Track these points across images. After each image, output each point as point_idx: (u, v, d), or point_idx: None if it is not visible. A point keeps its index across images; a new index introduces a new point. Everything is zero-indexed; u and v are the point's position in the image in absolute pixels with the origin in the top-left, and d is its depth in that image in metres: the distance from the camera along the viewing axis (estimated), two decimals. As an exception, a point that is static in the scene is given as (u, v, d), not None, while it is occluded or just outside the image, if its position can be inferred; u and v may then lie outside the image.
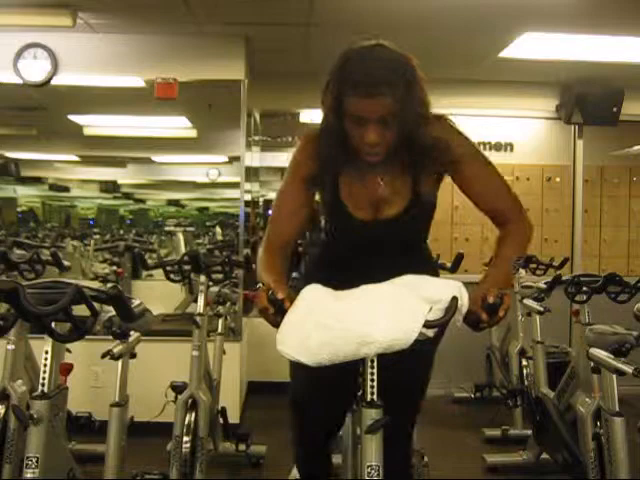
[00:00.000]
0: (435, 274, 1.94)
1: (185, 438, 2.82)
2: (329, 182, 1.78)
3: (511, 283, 1.76)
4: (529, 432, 3.45)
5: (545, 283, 3.22)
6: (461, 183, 1.81)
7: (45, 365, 2.09)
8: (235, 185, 4.19)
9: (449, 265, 3.49)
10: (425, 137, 1.69)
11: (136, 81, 4.06)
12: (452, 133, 1.77)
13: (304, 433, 2.08)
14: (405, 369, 1.64)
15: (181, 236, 4.86)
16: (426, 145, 1.70)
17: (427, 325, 1.40)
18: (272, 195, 5.23)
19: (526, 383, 3.83)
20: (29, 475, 1.88)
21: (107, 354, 2.42)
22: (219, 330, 3.53)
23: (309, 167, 1.77)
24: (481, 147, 5.10)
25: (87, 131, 4.48)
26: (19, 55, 3.89)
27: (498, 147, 5.13)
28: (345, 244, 1.90)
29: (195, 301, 3.10)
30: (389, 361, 1.47)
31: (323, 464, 2.15)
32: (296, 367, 1.54)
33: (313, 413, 1.97)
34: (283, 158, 4.75)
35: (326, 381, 1.71)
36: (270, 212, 1.92)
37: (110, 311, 2.12)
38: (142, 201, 4.91)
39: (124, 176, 4.81)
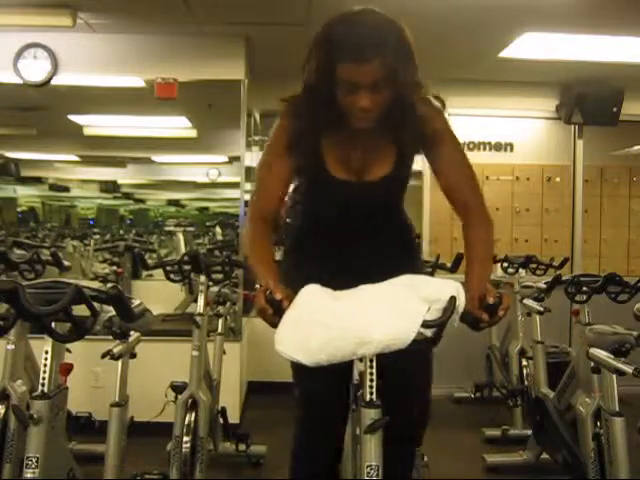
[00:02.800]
0: (413, 242, 2.03)
1: (185, 438, 2.82)
2: (311, 145, 1.77)
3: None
4: (529, 432, 3.45)
5: (545, 283, 3.22)
6: (433, 160, 1.82)
7: (45, 365, 2.09)
8: (235, 185, 4.19)
9: (449, 265, 3.49)
10: (413, 105, 1.71)
11: (136, 81, 4.06)
12: (434, 111, 1.78)
13: (314, 421, 2.05)
14: (404, 369, 1.64)
15: (181, 236, 4.86)
16: (413, 112, 1.71)
17: (425, 325, 1.40)
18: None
19: (526, 383, 3.84)
20: (29, 475, 1.88)
21: (107, 354, 2.42)
22: (219, 330, 3.53)
23: (290, 134, 1.76)
24: (481, 147, 5.11)
25: (87, 131, 4.48)
26: (19, 55, 3.89)
27: (498, 147, 5.13)
28: (326, 208, 1.90)
29: (195, 301, 3.10)
30: (387, 361, 1.47)
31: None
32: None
33: (322, 395, 1.94)
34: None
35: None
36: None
37: (110, 311, 2.12)
38: (142, 201, 4.91)
39: (124, 176, 4.81)
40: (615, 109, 4.81)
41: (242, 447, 3.42)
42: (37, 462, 1.89)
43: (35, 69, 3.91)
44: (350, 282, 1.55)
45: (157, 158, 4.81)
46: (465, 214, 1.82)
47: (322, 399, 1.96)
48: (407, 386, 1.88)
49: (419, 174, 4.73)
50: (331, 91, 1.65)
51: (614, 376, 2.34)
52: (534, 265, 4.19)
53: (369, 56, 1.55)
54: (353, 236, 1.89)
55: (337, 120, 1.72)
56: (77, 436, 3.13)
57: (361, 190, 1.82)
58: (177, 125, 4.60)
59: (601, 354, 2.38)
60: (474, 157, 5.51)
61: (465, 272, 1.74)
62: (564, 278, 3.12)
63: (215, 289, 3.41)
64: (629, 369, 2.19)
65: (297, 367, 1.47)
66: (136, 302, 2.13)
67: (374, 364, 1.51)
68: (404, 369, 1.67)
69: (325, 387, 1.87)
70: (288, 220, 2.09)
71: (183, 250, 4.66)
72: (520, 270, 4.15)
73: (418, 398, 2.01)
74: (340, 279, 1.59)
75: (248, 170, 4.32)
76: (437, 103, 1.79)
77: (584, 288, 3.01)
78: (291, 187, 1.91)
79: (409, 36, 1.64)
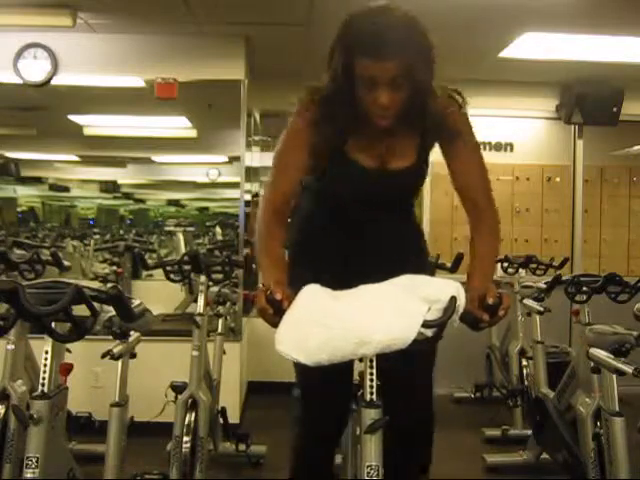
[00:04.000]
0: (422, 237, 2.05)
1: (185, 438, 2.82)
2: (336, 143, 1.77)
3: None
4: (529, 432, 3.45)
5: (545, 283, 3.22)
6: (449, 156, 1.83)
7: (45, 365, 2.09)
8: (235, 185, 4.19)
9: (449, 265, 3.49)
10: (433, 102, 1.72)
11: (136, 81, 4.06)
12: (454, 104, 1.80)
13: (315, 419, 2.05)
14: (404, 369, 1.64)
15: (181, 236, 4.86)
16: (432, 105, 1.72)
17: (426, 325, 1.40)
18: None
19: (526, 383, 3.84)
20: (29, 475, 1.88)
21: (107, 354, 2.42)
22: (219, 330, 3.53)
23: (308, 131, 1.75)
24: (481, 147, 5.09)
25: (87, 131, 4.48)
26: (19, 55, 3.90)
27: (498, 147, 5.13)
28: (345, 194, 1.89)
29: (195, 301, 3.10)
30: (387, 361, 1.47)
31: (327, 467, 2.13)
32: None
33: (324, 390, 1.93)
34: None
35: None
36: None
37: (110, 311, 2.12)
38: (142, 201, 4.91)
39: (124, 176, 4.81)
40: (615, 109, 4.81)
41: (242, 447, 3.42)
42: (37, 462, 1.89)
43: (35, 69, 3.92)
44: (360, 273, 1.55)
45: (157, 158, 4.80)
46: (474, 214, 1.82)
47: (322, 399, 1.97)
48: (409, 387, 1.88)
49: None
50: (352, 88, 1.66)
51: (614, 376, 2.34)
52: (534, 265, 4.19)
53: (388, 53, 1.56)
54: (367, 222, 1.90)
55: (359, 117, 1.72)
56: (77, 436, 3.13)
57: (384, 178, 1.83)
58: (177, 125, 4.60)
59: (601, 354, 2.37)
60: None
61: (467, 272, 1.75)
62: (564, 278, 3.12)
63: (215, 289, 3.40)
64: (629, 369, 2.19)
65: (299, 367, 1.47)
66: (136, 302, 2.13)
67: (374, 364, 1.51)
68: (405, 370, 1.67)
69: (325, 387, 1.87)
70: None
71: (183, 250, 4.66)
72: (520, 270, 4.15)
73: (421, 398, 2.00)
74: (350, 270, 1.59)
75: (248, 170, 4.33)
76: (458, 97, 1.80)
77: (584, 288, 3.00)
78: None
79: (427, 33, 1.65)
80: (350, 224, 1.90)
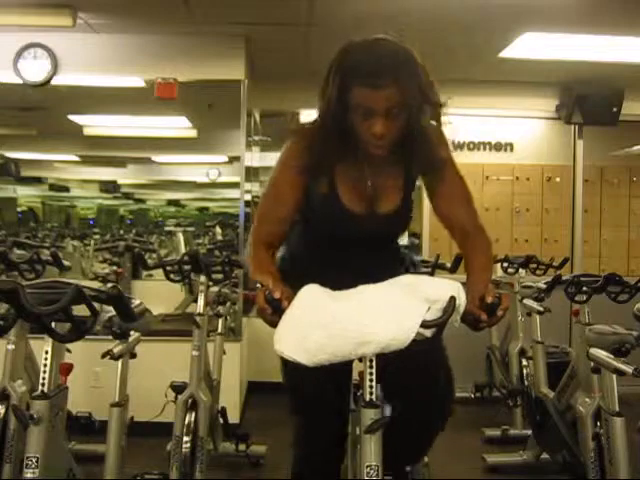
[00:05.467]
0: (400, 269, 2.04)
1: (185, 438, 2.82)
2: (326, 174, 1.78)
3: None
4: (529, 432, 3.45)
5: (545, 283, 3.21)
6: (432, 186, 1.84)
7: (45, 365, 2.08)
8: (235, 185, 4.19)
9: (449, 265, 3.49)
10: (425, 133, 1.72)
11: (136, 81, 4.06)
12: (442, 139, 1.80)
13: (314, 422, 2.03)
14: (406, 369, 1.64)
15: (181, 236, 4.86)
16: (424, 140, 1.72)
17: (425, 325, 1.40)
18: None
19: (526, 383, 3.83)
20: (29, 475, 1.88)
21: (107, 354, 2.42)
22: (219, 330, 3.52)
23: (303, 159, 1.76)
24: (481, 147, 5.11)
25: (87, 131, 4.49)
26: (19, 55, 3.90)
27: (498, 147, 5.14)
28: (332, 238, 1.89)
29: (195, 301, 3.10)
30: (388, 360, 1.47)
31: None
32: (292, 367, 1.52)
33: (318, 397, 1.91)
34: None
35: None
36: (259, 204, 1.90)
37: (110, 311, 2.11)
38: (142, 201, 4.92)
39: (124, 176, 4.82)
40: (615, 109, 4.81)
41: (242, 447, 3.42)
42: (37, 462, 1.88)
43: (35, 69, 3.91)
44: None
45: (157, 158, 4.81)
46: (465, 242, 1.83)
47: (322, 399, 1.96)
48: (411, 387, 1.87)
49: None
50: (346, 118, 1.66)
51: (614, 376, 2.34)
52: (534, 265, 4.19)
53: (384, 83, 1.56)
54: (353, 257, 1.89)
55: (351, 148, 1.73)
56: (77, 436, 3.13)
57: (373, 222, 1.83)
58: (177, 125, 4.60)
59: (601, 354, 2.37)
60: (474, 157, 5.54)
61: (466, 273, 1.76)
62: (564, 278, 3.12)
63: (215, 289, 3.41)
64: (629, 369, 2.18)
65: (293, 368, 1.46)
66: (136, 302, 2.13)
67: (374, 364, 1.51)
68: (406, 370, 1.67)
69: (324, 387, 1.86)
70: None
71: (183, 250, 4.67)
72: (520, 270, 4.15)
73: (429, 397, 1.98)
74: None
75: (248, 170, 4.33)
76: (444, 132, 1.80)
77: (584, 288, 3.00)
78: None
79: (423, 64, 1.64)
80: (336, 259, 1.88)
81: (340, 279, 1.57)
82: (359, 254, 1.88)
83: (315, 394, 1.90)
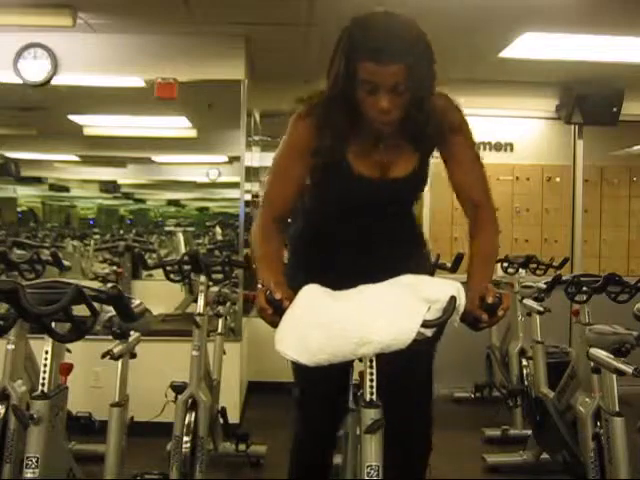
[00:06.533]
0: (423, 242, 2.04)
1: (185, 438, 2.82)
2: (336, 147, 1.76)
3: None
4: (529, 432, 3.45)
5: (545, 283, 3.21)
6: (447, 156, 1.83)
7: (45, 365, 2.08)
8: (235, 185, 4.19)
9: (449, 265, 3.49)
10: (431, 105, 1.71)
11: (136, 81, 4.06)
12: (451, 104, 1.80)
13: (313, 422, 2.05)
14: (404, 369, 1.64)
15: (181, 236, 4.86)
16: (432, 112, 1.72)
17: (425, 325, 1.40)
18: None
19: (526, 383, 3.83)
20: (29, 475, 1.88)
21: (107, 354, 2.42)
22: (219, 330, 3.52)
23: (309, 138, 1.75)
24: (481, 147, 5.10)
25: (87, 131, 4.48)
26: (19, 55, 3.90)
27: (498, 147, 5.14)
28: (345, 204, 1.88)
29: (195, 301, 3.10)
30: (387, 359, 1.47)
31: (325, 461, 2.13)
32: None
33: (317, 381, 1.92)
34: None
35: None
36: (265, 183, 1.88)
37: (110, 311, 2.12)
38: (142, 201, 4.91)
39: (124, 176, 4.81)
40: (615, 109, 4.81)
41: (242, 447, 3.42)
42: (37, 462, 1.88)
43: (35, 69, 3.91)
44: (360, 276, 1.55)
45: (157, 158, 4.81)
46: (474, 214, 1.82)
47: (321, 399, 1.97)
48: (408, 387, 1.88)
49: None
50: (353, 93, 1.65)
51: (614, 376, 2.34)
52: (534, 265, 4.19)
53: (390, 58, 1.55)
54: (368, 230, 1.89)
55: (360, 123, 1.72)
56: (77, 436, 3.13)
57: (385, 187, 1.82)
58: (177, 125, 4.60)
59: (601, 354, 2.37)
60: (474, 157, 5.46)
61: (467, 271, 1.75)
62: (564, 278, 3.12)
63: (215, 289, 3.41)
64: (629, 369, 2.18)
65: (297, 367, 1.47)
66: (136, 302, 2.12)
67: (374, 364, 1.51)
68: (404, 368, 1.67)
69: (324, 387, 1.87)
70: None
71: (183, 250, 4.66)
72: (520, 270, 4.15)
73: (420, 398, 2.00)
74: (350, 275, 1.59)
75: (248, 170, 4.33)
76: (455, 99, 1.80)
77: (584, 288, 3.00)
78: None
79: (427, 36, 1.64)
80: (350, 229, 1.89)
81: (353, 258, 1.55)
82: (370, 224, 1.87)
83: (314, 394, 1.91)
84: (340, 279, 1.57)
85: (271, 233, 1.75)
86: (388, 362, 1.48)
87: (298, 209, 1.95)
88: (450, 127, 1.77)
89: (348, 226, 1.89)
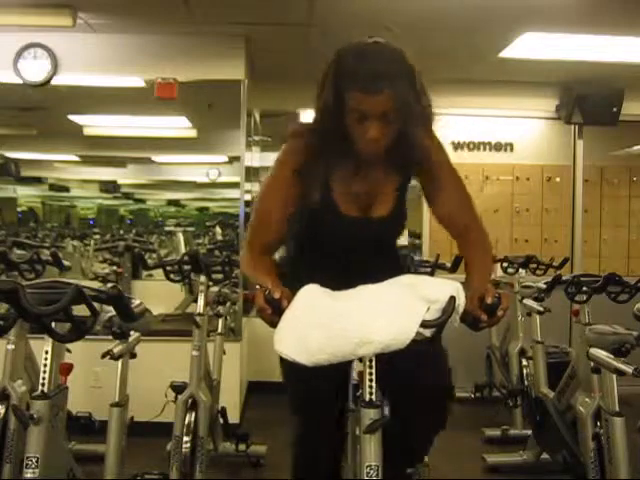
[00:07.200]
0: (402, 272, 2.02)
1: (185, 438, 2.82)
2: (321, 178, 1.77)
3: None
4: (529, 432, 3.45)
5: (545, 283, 3.21)
6: (430, 188, 1.84)
7: (45, 365, 2.08)
8: (235, 185, 4.19)
9: (449, 265, 3.49)
10: (419, 138, 1.72)
11: (136, 81, 4.06)
12: (436, 144, 1.81)
13: (313, 422, 2.03)
14: (405, 370, 1.64)
15: (181, 236, 4.86)
16: (418, 146, 1.73)
17: (424, 325, 1.40)
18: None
19: (526, 383, 3.83)
20: (29, 475, 1.88)
21: (107, 354, 2.42)
22: (219, 330, 3.52)
23: (298, 162, 1.76)
24: (481, 147, 5.11)
25: (87, 131, 4.48)
26: (19, 55, 3.89)
27: (498, 147, 5.13)
28: (328, 244, 1.89)
29: (195, 301, 3.10)
30: (387, 359, 1.47)
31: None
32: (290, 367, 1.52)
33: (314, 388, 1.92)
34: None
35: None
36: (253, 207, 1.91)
37: (110, 311, 2.12)
38: (142, 201, 4.92)
39: (124, 176, 4.82)
40: (615, 109, 4.81)
41: (242, 447, 3.42)
42: (37, 462, 1.89)
43: (35, 69, 3.91)
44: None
45: (157, 158, 4.81)
46: (465, 238, 1.84)
47: (321, 399, 1.96)
48: (411, 387, 1.87)
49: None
50: (341, 121, 1.66)
51: (614, 376, 2.34)
52: (534, 265, 4.19)
53: (379, 87, 1.56)
54: (352, 265, 1.88)
55: (346, 151, 1.72)
56: (77, 436, 3.13)
57: (368, 226, 1.84)
58: (177, 125, 4.60)
59: (601, 354, 2.38)
60: (474, 157, 5.53)
61: (466, 272, 1.76)
62: (564, 278, 3.11)
63: (215, 289, 3.41)
64: (629, 369, 2.18)
65: (293, 368, 1.46)
66: (136, 302, 2.12)
67: (374, 364, 1.51)
68: (406, 370, 1.67)
69: (323, 387, 1.87)
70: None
71: (183, 250, 4.67)
72: (520, 270, 4.15)
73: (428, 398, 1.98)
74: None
75: (248, 170, 4.33)
76: (437, 137, 1.81)
77: (584, 288, 3.00)
78: None
79: (417, 69, 1.65)
80: (335, 266, 1.87)
81: (338, 287, 1.56)
82: (357, 261, 1.87)
83: (312, 394, 1.90)
84: None
85: (261, 262, 1.76)
86: (388, 362, 1.48)
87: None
88: (433, 166, 1.79)
89: (330, 261, 1.88)
